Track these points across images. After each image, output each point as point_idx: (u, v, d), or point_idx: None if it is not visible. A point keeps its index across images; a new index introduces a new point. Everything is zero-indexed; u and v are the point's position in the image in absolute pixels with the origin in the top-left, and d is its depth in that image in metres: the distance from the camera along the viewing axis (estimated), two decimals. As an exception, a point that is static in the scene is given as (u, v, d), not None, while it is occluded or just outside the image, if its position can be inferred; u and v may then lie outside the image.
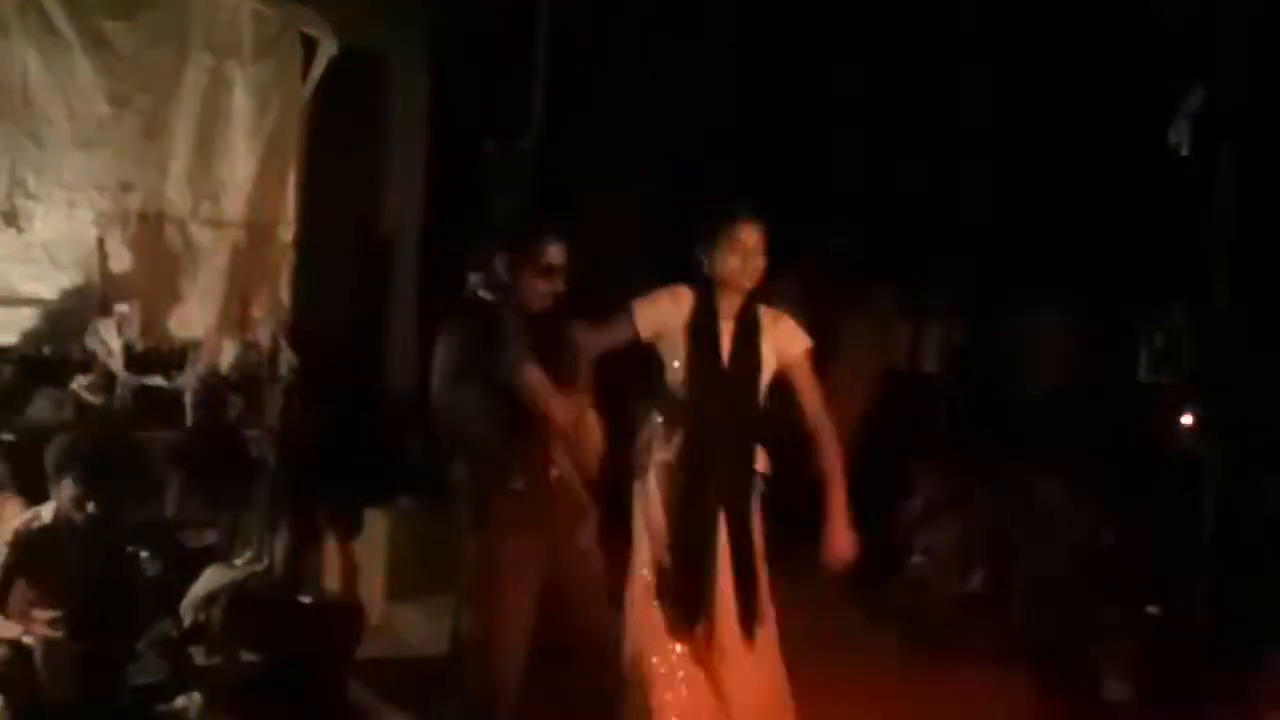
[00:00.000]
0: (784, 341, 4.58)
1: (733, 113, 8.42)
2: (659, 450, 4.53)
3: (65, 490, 4.63)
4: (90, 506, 4.62)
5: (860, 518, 5.65)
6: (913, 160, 8.62)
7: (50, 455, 4.73)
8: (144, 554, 5.10)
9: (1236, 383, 6.33)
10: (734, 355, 4.52)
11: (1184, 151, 6.46)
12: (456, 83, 7.51)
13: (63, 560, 4.65)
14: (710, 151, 8.03)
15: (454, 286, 4.79)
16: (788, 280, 8.38)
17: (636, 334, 4.47)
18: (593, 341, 4.45)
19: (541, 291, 4.24)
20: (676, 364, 4.50)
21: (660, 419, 4.56)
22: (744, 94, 8.57)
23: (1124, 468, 6.87)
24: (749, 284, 4.48)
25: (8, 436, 5.96)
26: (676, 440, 4.49)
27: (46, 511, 4.72)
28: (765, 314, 4.60)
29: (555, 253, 4.25)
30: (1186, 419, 6.99)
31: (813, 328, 7.50)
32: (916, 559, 7.11)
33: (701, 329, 4.51)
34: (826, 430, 4.60)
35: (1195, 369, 6.82)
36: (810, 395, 4.57)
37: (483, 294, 4.32)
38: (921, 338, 8.99)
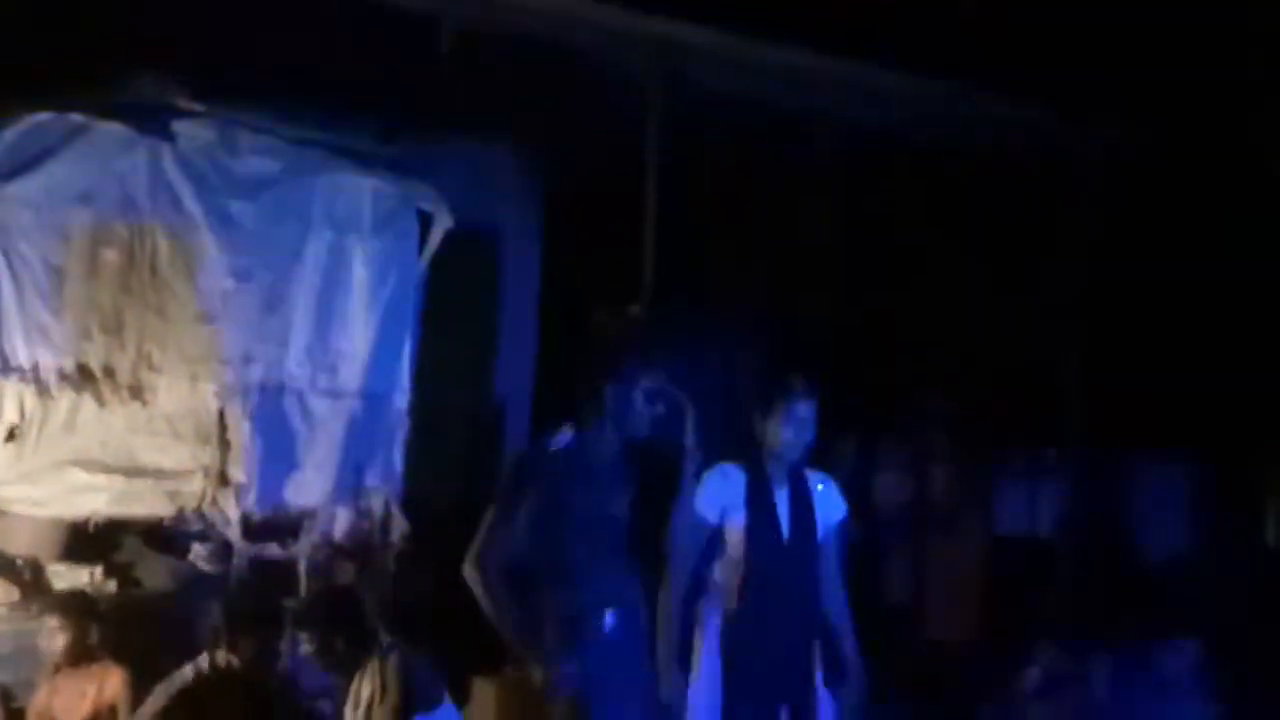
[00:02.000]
0: (829, 506, 4.71)
1: (839, 282, 8.49)
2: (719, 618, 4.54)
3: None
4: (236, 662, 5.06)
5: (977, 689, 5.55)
6: (1032, 323, 8.58)
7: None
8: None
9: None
10: (793, 524, 4.56)
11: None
12: (567, 253, 7.65)
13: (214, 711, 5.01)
14: (814, 320, 8.09)
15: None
16: (898, 444, 8.42)
17: (712, 526, 4.54)
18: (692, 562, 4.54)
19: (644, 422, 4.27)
20: (734, 538, 4.54)
21: (720, 588, 4.58)
22: (851, 263, 8.64)
23: (1254, 641, 6.65)
24: (798, 455, 4.57)
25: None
26: (736, 608, 4.50)
27: (192, 669, 5.09)
28: (811, 477, 4.67)
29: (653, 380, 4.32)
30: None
31: (920, 492, 7.47)
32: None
33: (759, 502, 4.57)
34: (845, 613, 4.67)
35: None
36: (834, 566, 4.67)
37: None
38: (1037, 502, 8.84)
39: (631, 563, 4.33)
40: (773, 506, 4.61)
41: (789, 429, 4.59)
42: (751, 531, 4.56)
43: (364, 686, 5.62)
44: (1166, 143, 7.86)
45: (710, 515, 4.60)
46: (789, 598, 4.55)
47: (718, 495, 4.62)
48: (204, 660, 5.16)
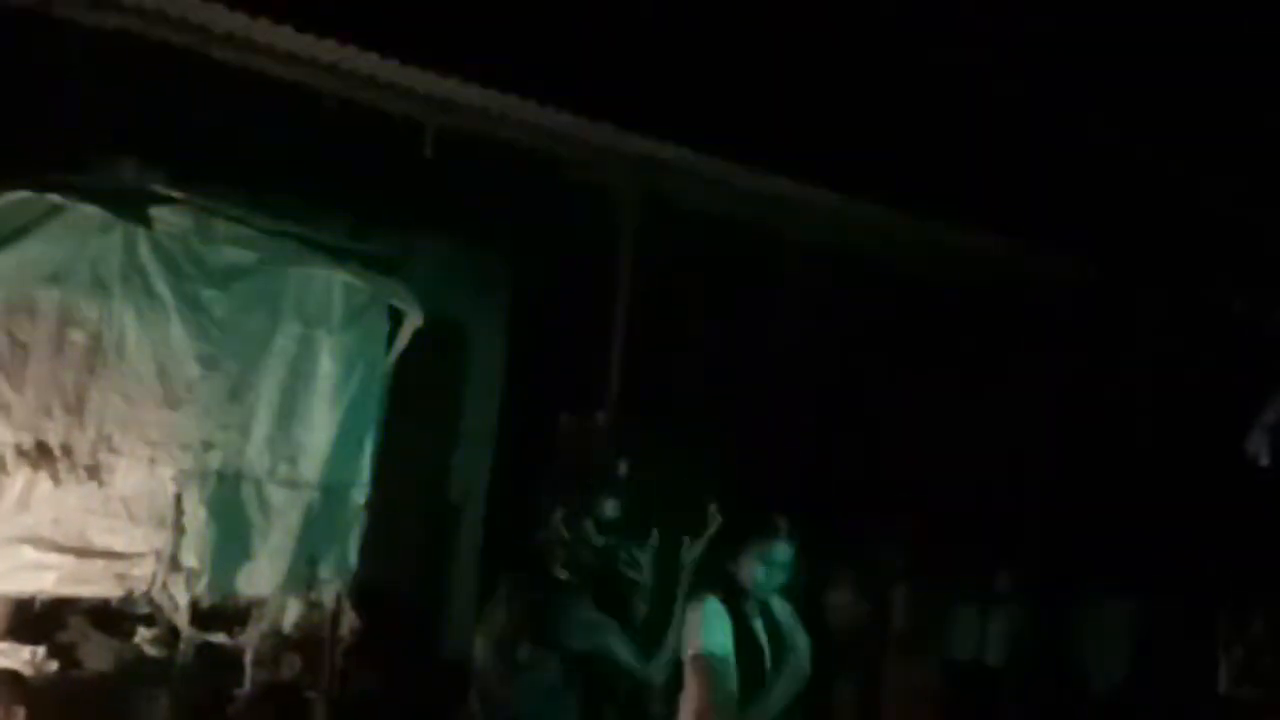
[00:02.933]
0: (797, 637, 4.73)
1: (806, 394, 8.57)
2: None
3: None
4: None
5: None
6: (988, 452, 8.66)
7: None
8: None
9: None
10: (773, 659, 4.60)
11: (1263, 461, 6.47)
12: (533, 353, 7.72)
13: None
14: (779, 439, 8.15)
15: (516, 555, 4.87)
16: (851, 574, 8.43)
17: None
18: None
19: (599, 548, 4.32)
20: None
21: None
22: (818, 374, 8.73)
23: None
24: (771, 594, 4.58)
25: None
26: None
27: None
28: (778, 608, 4.70)
29: (611, 506, 4.36)
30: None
31: (873, 618, 7.47)
32: None
33: (744, 640, 4.57)
34: None
35: (1276, 681, 6.66)
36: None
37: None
38: (986, 627, 8.85)
39: None
40: (760, 648, 4.61)
41: (766, 570, 4.62)
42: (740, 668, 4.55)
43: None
44: (1126, 277, 8.01)
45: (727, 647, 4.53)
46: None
47: (722, 628, 4.56)
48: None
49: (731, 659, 4.50)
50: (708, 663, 4.46)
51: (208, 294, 6.47)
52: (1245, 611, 7.41)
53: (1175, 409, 7.72)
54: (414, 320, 6.88)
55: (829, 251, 8.26)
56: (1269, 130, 6.87)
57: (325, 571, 6.75)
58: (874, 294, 8.53)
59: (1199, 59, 6.98)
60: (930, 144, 7.42)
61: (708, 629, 4.53)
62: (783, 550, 4.64)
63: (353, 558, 6.79)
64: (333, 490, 6.76)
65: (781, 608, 4.76)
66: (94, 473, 6.27)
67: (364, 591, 6.87)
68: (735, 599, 4.62)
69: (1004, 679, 8.66)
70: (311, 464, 6.72)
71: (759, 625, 4.65)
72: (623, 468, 6.47)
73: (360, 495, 6.83)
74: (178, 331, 6.41)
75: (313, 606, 6.74)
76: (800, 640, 4.75)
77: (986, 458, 8.86)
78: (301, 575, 6.68)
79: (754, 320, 8.46)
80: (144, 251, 6.37)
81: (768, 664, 4.60)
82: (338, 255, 6.77)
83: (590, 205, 7.47)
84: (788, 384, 8.62)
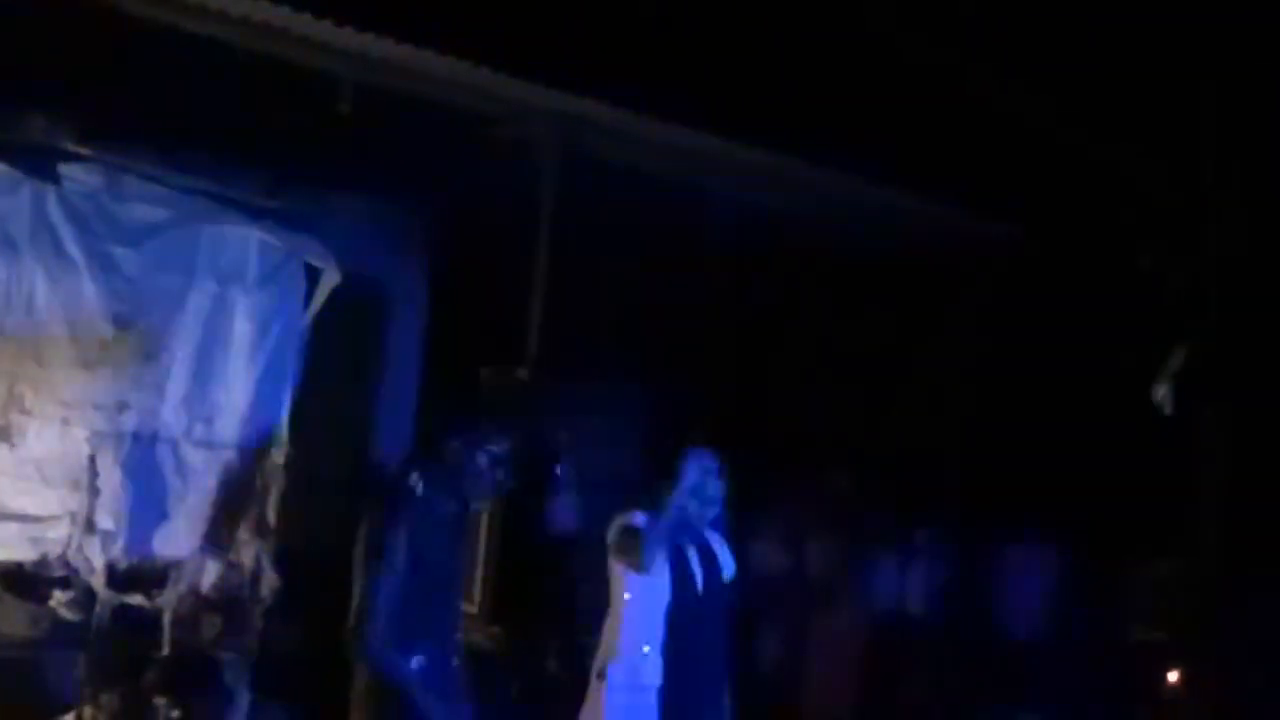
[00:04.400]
0: (727, 565, 4.93)
1: (728, 348, 8.60)
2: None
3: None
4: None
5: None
6: (905, 403, 8.76)
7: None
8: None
9: (1224, 639, 6.33)
10: (705, 582, 4.77)
11: (1168, 410, 6.60)
12: (453, 311, 7.67)
13: None
14: (702, 386, 8.18)
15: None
16: (775, 521, 8.52)
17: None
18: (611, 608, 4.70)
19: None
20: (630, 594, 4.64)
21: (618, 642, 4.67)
22: (739, 329, 8.76)
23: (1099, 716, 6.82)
24: (704, 522, 4.70)
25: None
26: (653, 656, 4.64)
27: None
28: (711, 537, 4.86)
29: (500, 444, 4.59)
30: (1173, 676, 6.96)
31: (800, 565, 7.56)
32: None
33: (676, 555, 4.71)
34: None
35: (1182, 625, 6.83)
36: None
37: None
38: (906, 577, 8.98)
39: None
40: (688, 564, 4.73)
41: (698, 501, 4.74)
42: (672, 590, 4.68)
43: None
44: (1046, 238, 8.10)
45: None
46: (700, 651, 4.72)
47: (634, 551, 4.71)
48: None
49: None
50: (634, 532, 4.68)
51: (120, 252, 6.38)
52: (1151, 558, 7.58)
53: (1085, 364, 7.85)
54: (331, 277, 6.82)
55: (750, 207, 8.27)
56: (1167, 94, 6.97)
57: (244, 532, 6.71)
58: (796, 250, 8.56)
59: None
60: (847, 101, 7.44)
61: (633, 516, 4.74)
62: (714, 485, 4.77)
63: (272, 518, 6.75)
64: (250, 451, 6.71)
65: (715, 537, 4.88)
66: (5, 434, 6.20)
67: (283, 552, 6.84)
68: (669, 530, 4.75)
69: (923, 628, 8.79)
70: (228, 424, 6.67)
71: (693, 551, 4.76)
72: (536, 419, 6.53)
73: (279, 455, 6.79)
74: (89, 290, 6.31)
75: (232, 568, 6.70)
76: (729, 567, 4.94)
77: (906, 411, 8.96)
78: (220, 536, 6.64)
79: (675, 275, 8.46)
80: (53, 210, 6.27)
81: (699, 588, 4.70)
82: (252, 212, 6.70)
83: (510, 160, 7.42)
84: (709, 338, 8.64)
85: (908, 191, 8.00)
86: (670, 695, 4.62)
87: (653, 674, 4.63)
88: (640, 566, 4.63)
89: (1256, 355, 6.49)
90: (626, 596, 4.71)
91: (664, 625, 4.67)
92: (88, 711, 5.14)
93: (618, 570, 4.75)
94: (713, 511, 4.83)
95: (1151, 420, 6.71)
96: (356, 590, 4.58)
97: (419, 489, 4.48)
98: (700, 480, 4.76)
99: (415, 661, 4.48)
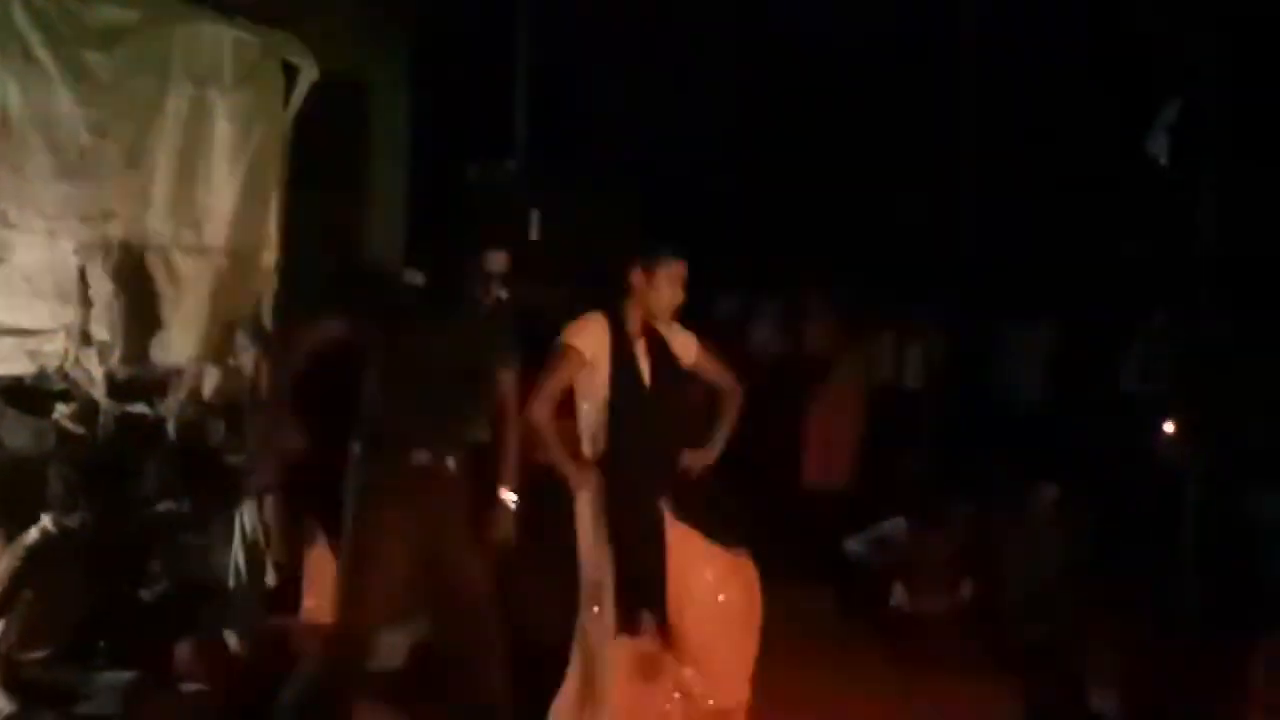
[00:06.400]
0: (682, 348, 4.94)
1: (711, 136, 8.50)
2: (588, 465, 4.75)
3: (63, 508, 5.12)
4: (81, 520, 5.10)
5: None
6: (894, 175, 8.68)
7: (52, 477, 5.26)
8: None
9: (1217, 390, 6.37)
10: (654, 372, 4.83)
11: (1163, 161, 6.52)
12: (438, 106, 7.55)
13: (64, 571, 5.05)
14: (689, 172, 8.11)
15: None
16: (771, 306, 8.51)
17: (585, 360, 4.66)
18: (554, 396, 4.75)
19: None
20: (599, 383, 4.71)
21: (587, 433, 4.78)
22: (721, 120, 8.65)
23: (1108, 477, 6.90)
24: (668, 316, 4.71)
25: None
26: (606, 453, 4.73)
27: (39, 529, 5.15)
28: (663, 328, 4.91)
29: (496, 260, 4.55)
30: (1168, 426, 7.03)
31: (796, 347, 7.58)
32: (904, 574, 7.13)
33: (623, 352, 4.78)
34: (735, 390, 5.01)
35: (1176, 376, 6.87)
36: (721, 377, 5.03)
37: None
38: (904, 353, 9.02)
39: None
40: (633, 357, 4.72)
41: (656, 291, 4.74)
42: (615, 380, 4.70)
43: (238, 542, 5.67)
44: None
45: (585, 351, 4.77)
46: (650, 443, 4.74)
47: (589, 334, 4.79)
48: (48, 522, 5.09)
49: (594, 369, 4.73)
50: (560, 351, 4.75)
51: (91, 57, 6.20)
52: (1145, 311, 7.60)
53: (1077, 121, 7.76)
54: (310, 74, 6.66)
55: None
56: None
57: (241, 338, 6.68)
58: (789, 34, 8.41)
59: None
60: None
61: (577, 327, 4.79)
62: (674, 267, 4.79)
63: (267, 321, 6.72)
64: (241, 255, 6.63)
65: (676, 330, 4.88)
66: (-9, 249, 6.13)
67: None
68: (621, 317, 4.81)
69: (923, 402, 8.87)
70: (216, 229, 6.57)
71: (640, 343, 4.80)
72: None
73: (270, 258, 6.72)
74: (63, 98, 6.15)
75: (232, 374, 6.70)
76: (689, 350, 4.94)
77: (905, 189, 8.90)
78: (216, 342, 6.61)
79: (663, 61, 8.31)
80: (19, 16, 6.06)
81: (646, 380, 4.77)
82: (224, 10, 6.51)
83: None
84: (702, 124, 8.54)
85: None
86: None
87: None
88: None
89: (1251, 104, 6.38)
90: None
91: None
92: (74, 516, 5.15)
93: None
94: (676, 300, 4.85)
95: (1147, 174, 6.64)
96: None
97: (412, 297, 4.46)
98: (660, 267, 4.80)
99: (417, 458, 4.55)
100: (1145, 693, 5.55)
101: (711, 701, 4.69)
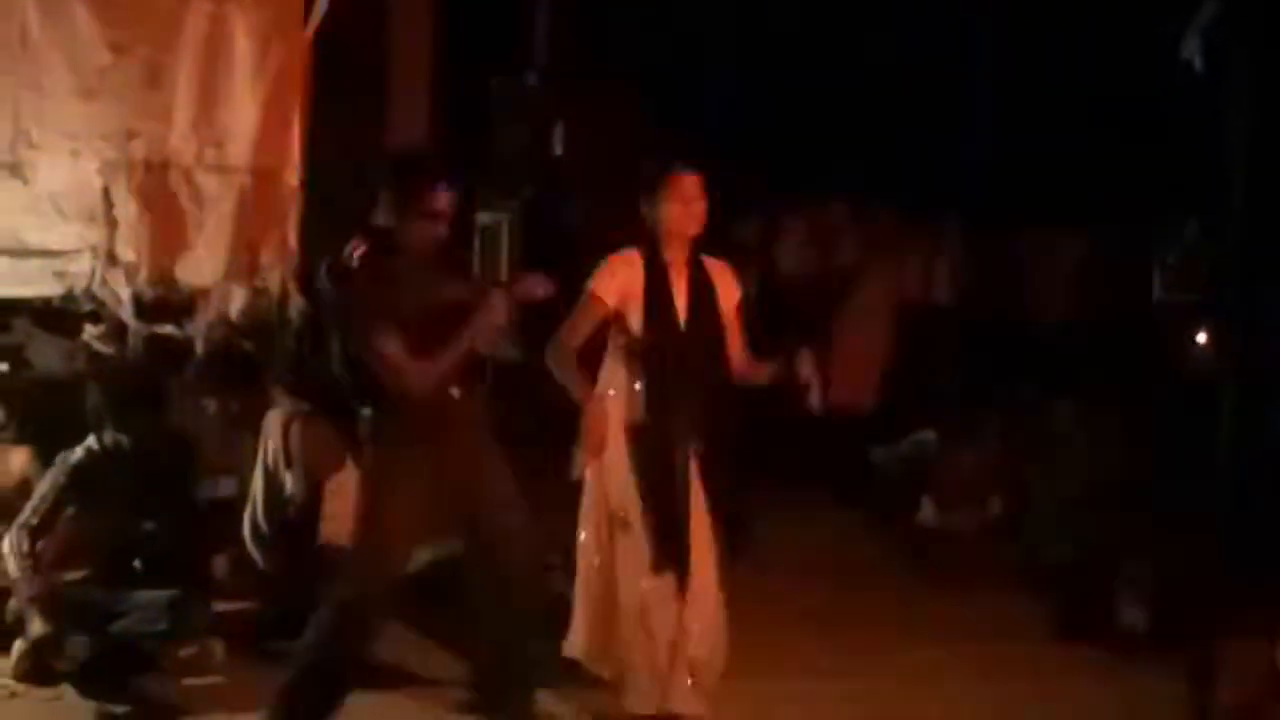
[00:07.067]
0: (726, 292, 4.72)
1: (737, 55, 8.38)
2: (622, 404, 4.56)
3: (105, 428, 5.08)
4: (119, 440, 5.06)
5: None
6: (918, 89, 8.55)
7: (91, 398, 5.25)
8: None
9: (1252, 300, 6.28)
10: (691, 309, 4.61)
11: (1197, 67, 6.37)
12: (460, 20, 7.46)
13: (107, 490, 5.02)
14: (712, 91, 8.01)
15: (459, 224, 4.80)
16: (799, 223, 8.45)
17: (609, 309, 4.54)
18: (576, 339, 4.56)
19: (425, 236, 4.32)
20: (635, 322, 4.56)
21: (622, 373, 4.60)
22: (748, 35, 8.52)
23: (1140, 390, 6.84)
24: (693, 231, 4.57)
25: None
26: (641, 393, 4.54)
27: (84, 448, 5.10)
28: (709, 264, 4.70)
29: (441, 199, 4.30)
30: (1201, 337, 6.97)
31: (824, 265, 7.50)
32: (933, 489, 7.12)
33: (657, 288, 4.57)
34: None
35: (1210, 287, 6.78)
36: (736, 344, 4.74)
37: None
38: (933, 270, 8.95)
39: None
40: (670, 296, 4.60)
41: (677, 205, 4.57)
42: (650, 321, 4.57)
43: (269, 451, 5.68)
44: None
45: (608, 299, 4.57)
46: (686, 387, 4.56)
47: (615, 280, 4.59)
48: (93, 441, 5.14)
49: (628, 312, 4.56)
50: (584, 300, 4.57)
51: (110, -26, 6.16)
52: (1179, 222, 7.50)
53: (1106, 28, 7.61)
54: (330, -10, 6.59)
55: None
56: None
57: (266, 257, 6.67)
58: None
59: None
60: None
61: (603, 271, 4.59)
62: (690, 183, 4.56)
63: (293, 241, 6.70)
64: (264, 173, 6.59)
65: (715, 265, 4.74)
66: (17, 170, 6.13)
67: (310, 275, 6.80)
68: (656, 252, 4.60)
69: (953, 317, 8.81)
70: (239, 148, 6.53)
71: (681, 283, 4.63)
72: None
73: (293, 177, 6.68)
74: (82, 16, 6.12)
75: (258, 293, 6.69)
76: (732, 293, 4.76)
77: (930, 105, 8.78)
78: (242, 262, 6.60)
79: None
80: (38, -65, 6.03)
81: (682, 321, 4.60)
82: (242, -76, 6.43)
83: None
84: (727, 35, 8.42)
85: None
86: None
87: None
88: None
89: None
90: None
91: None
92: (109, 435, 5.17)
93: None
94: (696, 215, 4.58)
95: (1179, 78, 6.50)
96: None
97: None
98: (675, 184, 4.56)
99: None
100: (1176, 607, 5.54)
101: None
